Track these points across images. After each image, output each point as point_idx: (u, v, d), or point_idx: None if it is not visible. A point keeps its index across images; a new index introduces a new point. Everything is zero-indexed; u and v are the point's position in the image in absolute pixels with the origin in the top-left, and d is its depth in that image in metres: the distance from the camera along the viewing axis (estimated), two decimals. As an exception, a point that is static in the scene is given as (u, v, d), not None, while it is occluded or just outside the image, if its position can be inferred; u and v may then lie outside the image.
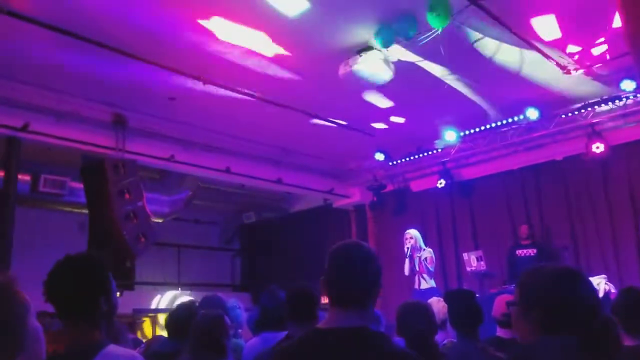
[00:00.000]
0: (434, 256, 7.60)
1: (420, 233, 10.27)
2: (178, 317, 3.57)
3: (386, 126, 8.62)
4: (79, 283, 1.92)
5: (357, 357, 1.71)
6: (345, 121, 8.36)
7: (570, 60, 6.73)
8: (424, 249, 7.56)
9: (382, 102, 7.63)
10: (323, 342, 1.78)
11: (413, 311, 3.02)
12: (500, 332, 3.72)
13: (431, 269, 7.46)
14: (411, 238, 7.60)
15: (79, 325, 1.91)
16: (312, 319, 1.87)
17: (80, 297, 1.92)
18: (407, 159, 10.00)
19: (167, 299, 11.02)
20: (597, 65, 6.87)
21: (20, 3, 5.09)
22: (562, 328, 1.65)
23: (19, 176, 7.08)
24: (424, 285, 7.44)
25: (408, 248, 7.54)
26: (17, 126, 6.71)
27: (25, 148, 7.05)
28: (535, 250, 8.36)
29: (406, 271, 7.62)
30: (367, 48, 6.01)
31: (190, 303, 3.89)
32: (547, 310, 1.70)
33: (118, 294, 2.11)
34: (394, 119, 8.35)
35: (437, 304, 3.87)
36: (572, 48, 6.48)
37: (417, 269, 7.48)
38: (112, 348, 1.89)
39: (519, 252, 8.52)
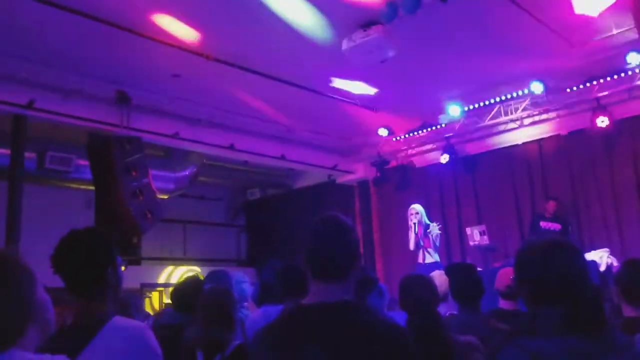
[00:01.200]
0: (438, 231, 7.64)
1: (423, 208, 10.36)
2: (184, 291, 3.64)
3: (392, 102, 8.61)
4: (86, 256, 1.96)
5: (340, 331, 1.73)
6: (348, 97, 8.34)
7: (576, 33, 6.68)
8: (431, 224, 7.59)
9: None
10: (306, 318, 1.80)
11: (416, 283, 3.06)
12: (502, 304, 3.76)
13: (437, 244, 7.50)
14: (417, 213, 7.63)
15: (87, 298, 1.95)
16: (304, 293, 1.90)
17: (88, 270, 1.96)
18: (411, 134, 10.00)
19: (175, 273, 11.15)
20: (602, 38, 6.82)
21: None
22: (551, 301, 1.70)
23: (26, 153, 7.13)
24: (429, 260, 7.49)
25: (415, 223, 7.56)
26: (22, 103, 6.74)
27: (32, 125, 7.09)
28: (559, 226, 8.20)
29: (411, 246, 7.67)
30: (371, 22, 5.98)
31: (196, 277, 3.96)
32: (536, 283, 1.77)
33: (123, 267, 2.15)
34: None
35: (440, 277, 3.92)
36: (578, 21, 6.42)
37: (422, 244, 7.52)
38: (119, 320, 1.93)
39: (542, 223, 8.36)
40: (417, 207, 7.74)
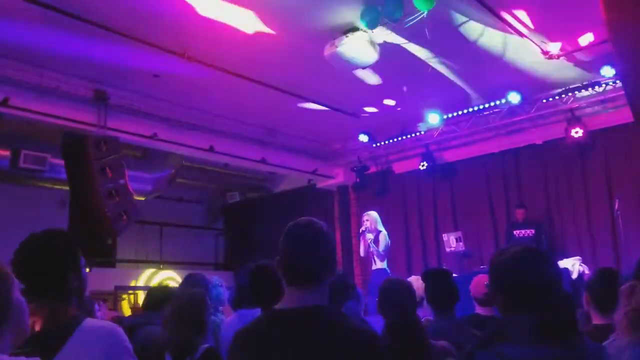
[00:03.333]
0: (388, 239, 7.51)
1: (402, 214, 10.43)
2: (153, 294, 3.66)
3: (375, 109, 8.66)
4: (46, 260, 1.91)
5: (313, 337, 1.73)
6: (330, 102, 8.36)
7: (552, 45, 6.80)
8: (382, 232, 7.53)
9: (370, 78, 7.57)
10: (279, 324, 1.80)
11: (395, 288, 3.08)
12: (479, 310, 3.81)
13: (381, 251, 7.40)
14: (367, 220, 7.61)
15: (50, 303, 1.89)
16: (279, 297, 1.89)
17: (49, 273, 1.91)
18: (391, 140, 10.06)
19: (150, 276, 11.03)
20: (578, 51, 6.96)
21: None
22: (524, 308, 1.73)
23: (-1, 152, 7.01)
24: (375, 267, 7.50)
25: (363, 230, 7.54)
26: (-4, 100, 6.62)
27: (5, 123, 6.97)
28: (533, 231, 8.37)
29: (361, 252, 7.67)
30: (353, 29, 6.02)
31: (166, 285, 3.98)
32: (509, 291, 1.79)
33: (87, 269, 2.10)
34: (386, 101, 8.38)
35: (416, 282, 3.95)
36: (554, 34, 6.55)
37: (372, 250, 7.50)
38: (90, 322, 1.91)
39: (516, 232, 8.53)
40: (370, 214, 7.71)
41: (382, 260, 7.45)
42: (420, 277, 3.89)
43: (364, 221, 7.63)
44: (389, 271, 7.46)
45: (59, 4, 5.45)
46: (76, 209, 7.72)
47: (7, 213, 8.49)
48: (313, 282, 1.82)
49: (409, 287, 3.02)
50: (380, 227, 7.55)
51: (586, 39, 6.68)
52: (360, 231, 7.60)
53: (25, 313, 1.55)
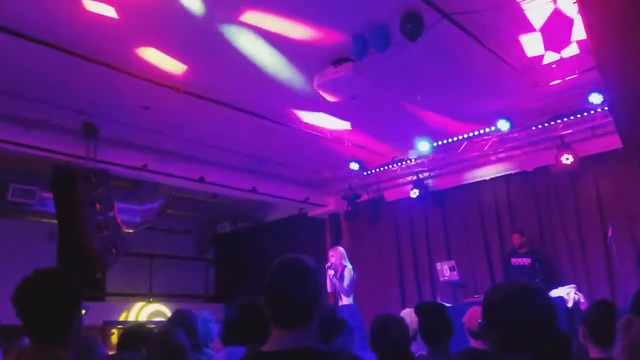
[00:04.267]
0: (353, 273, 7.41)
1: (394, 242, 10.36)
2: (129, 332, 3.58)
3: (362, 137, 8.68)
4: (51, 301, 1.91)
5: None
6: (319, 131, 8.37)
7: (540, 73, 6.87)
8: (347, 267, 7.42)
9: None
10: None
11: (388, 324, 3.02)
12: (474, 344, 3.73)
13: (345, 286, 7.29)
14: (332, 256, 7.55)
15: (47, 343, 1.88)
16: (268, 335, 1.83)
17: (53, 315, 1.91)
18: (382, 168, 10.06)
19: (139, 310, 10.85)
20: (565, 78, 7.03)
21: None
22: (518, 348, 1.68)
23: (-13, 185, 6.92)
24: (341, 303, 7.38)
25: (328, 266, 7.45)
26: (-16, 134, 6.57)
27: (-6, 157, 6.91)
28: (529, 260, 8.28)
29: (328, 288, 7.54)
30: (342, 59, 6.05)
31: (142, 323, 3.91)
32: (502, 329, 1.74)
33: (84, 311, 2.08)
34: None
35: (410, 315, 3.89)
36: (542, 62, 6.61)
37: (337, 286, 7.40)
38: None
39: (514, 260, 8.43)
40: (337, 249, 7.70)
41: (347, 296, 7.36)
42: (413, 310, 3.84)
43: (329, 257, 7.60)
44: (355, 306, 7.36)
45: (46, 37, 5.44)
46: (65, 242, 7.60)
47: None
48: (299, 323, 1.77)
49: (401, 322, 2.96)
50: (346, 262, 7.49)
51: (572, 66, 6.75)
52: (326, 267, 7.50)
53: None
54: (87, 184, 7.10)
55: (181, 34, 5.65)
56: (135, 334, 3.53)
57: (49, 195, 7.66)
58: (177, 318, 3.75)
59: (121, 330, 3.80)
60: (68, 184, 7.24)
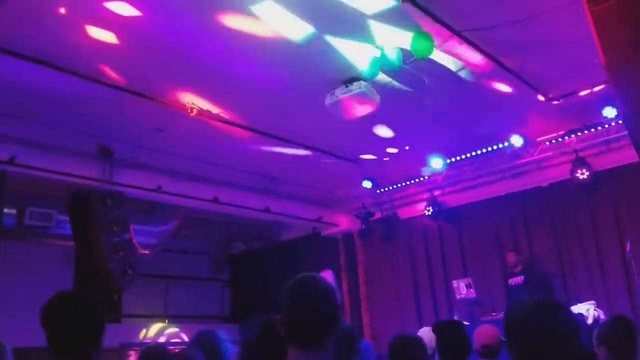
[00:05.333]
0: (340, 297, 7.54)
1: (409, 260, 10.31)
2: (148, 354, 3.58)
3: (374, 157, 8.68)
4: (80, 324, 1.94)
5: None
6: (332, 150, 8.40)
7: (553, 88, 6.86)
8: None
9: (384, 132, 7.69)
10: None
11: (406, 344, 3.00)
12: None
13: None
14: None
15: None
16: (284, 355, 1.82)
17: (80, 337, 1.94)
18: (395, 186, 10.05)
19: (155, 331, 10.84)
20: (578, 93, 7.01)
21: (5, 38, 5.11)
22: None
23: (5, 209, 7.00)
24: None
25: None
26: (3, 159, 6.67)
27: (11, 181, 7.00)
28: (522, 277, 8.33)
29: None
30: (353, 78, 6.09)
31: (160, 344, 3.90)
32: (525, 346, 1.73)
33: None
34: (389, 150, 8.41)
35: (428, 334, 3.85)
36: (554, 77, 6.60)
37: None
38: None
39: (510, 280, 8.52)
40: (328, 273, 7.91)
41: None
42: (431, 329, 3.80)
43: None
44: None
45: (63, 62, 5.54)
46: (81, 264, 7.66)
47: (13, 269, 8.44)
48: (317, 345, 1.76)
49: (420, 342, 2.94)
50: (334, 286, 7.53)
51: (585, 80, 6.74)
52: None
53: None
54: (103, 206, 7.18)
55: (188, 60, 5.72)
56: (154, 355, 3.54)
57: (66, 218, 7.73)
58: (199, 339, 3.75)
59: (140, 352, 3.81)
60: (84, 206, 7.31)
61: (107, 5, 4.80)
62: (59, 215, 8.00)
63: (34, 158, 6.91)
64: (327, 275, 7.71)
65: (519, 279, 8.34)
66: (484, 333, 3.53)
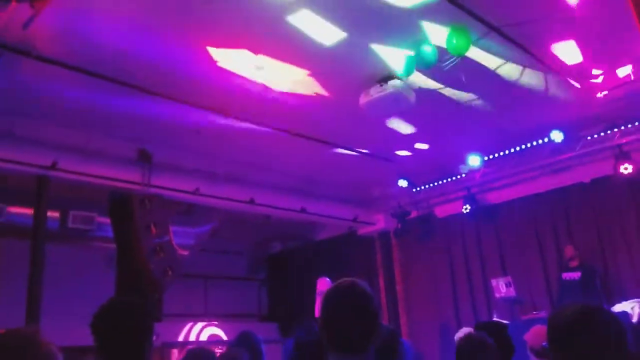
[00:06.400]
0: None
1: (446, 259, 10.21)
2: (192, 355, 3.64)
3: (409, 153, 8.61)
4: (131, 331, 2.01)
5: None
6: (367, 149, 8.38)
7: (594, 81, 6.68)
8: None
9: (405, 128, 7.65)
10: None
11: (475, 348, 2.99)
12: (533, 363, 3.63)
13: None
14: (321, 285, 7.92)
15: None
16: None
17: (131, 344, 2.00)
18: (431, 184, 9.95)
19: (196, 331, 11.02)
20: (621, 85, 6.81)
21: (47, 46, 5.26)
22: None
23: (48, 213, 7.20)
24: None
25: (318, 293, 7.86)
26: (46, 165, 6.87)
27: (54, 185, 7.20)
28: (579, 274, 7.99)
29: (317, 313, 7.60)
30: (388, 77, 6.05)
31: (203, 345, 3.94)
32: (569, 352, 1.70)
33: (155, 337, 2.16)
34: (418, 145, 8.34)
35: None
36: (596, 70, 6.43)
37: None
38: None
39: (564, 275, 8.16)
40: (325, 280, 7.89)
41: None
42: (472, 330, 3.76)
43: (318, 286, 8.00)
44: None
45: (103, 70, 5.67)
46: (123, 266, 7.83)
47: (57, 272, 8.65)
48: (358, 350, 1.76)
49: (490, 346, 2.92)
50: None
51: (627, 72, 6.54)
52: (317, 292, 7.90)
53: None
54: (142, 209, 7.32)
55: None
56: (199, 356, 3.59)
57: (107, 220, 7.92)
58: (243, 339, 3.81)
59: (186, 353, 3.87)
60: (124, 209, 7.47)
61: (144, 12, 4.88)
62: (101, 217, 8.20)
63: (75, 163, 7.09)
64: (324, 282, 7.83)
65: (576, 275, 7.98)
66: (541, 333, 3.47)
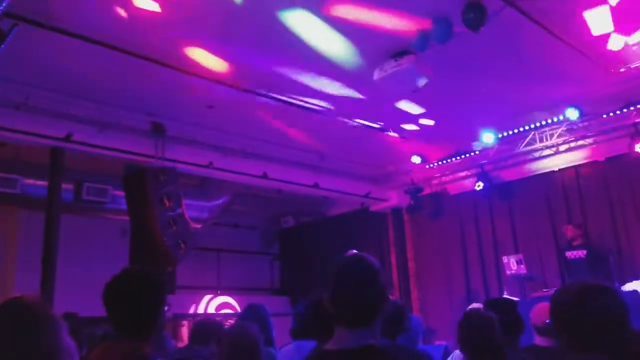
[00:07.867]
0: None
1: (459, 236, 10.22)
2: (200, 327, 3.68)
3: (419, 128, 8.56)
4: (141, 299, 2.01)
5: None
6: (381, 124, 8.34)
7: (611, 58, 6.56)
8: None
9: (414, 108, 7.60)
10: None
11: (479, 323, 3.01)
12: (537, 340, 3.63)
13: None
14: None
15: (133, 339, 1.97)
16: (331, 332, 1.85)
17: (141, 312, 2.01)
18: (444, 161, 9.90)
19: (208, 303, 11.18)
20: (638, 64, 6.69)
21: (62, 18, 5.26)
22: (592, 347, 1.65)
23: (63, 185, 7.29)
24: None
25: None
26: (60, 136, 6.92)
27: (69, 157, 7.27)
28: (585, 252, 7.97)
29: None
30: (402, 52, 5.98)
31: (212, 317, 3.99)
32: (573, 329, 1.72)
33: (166, 307, 2.17)
34: (429, 121, 8.28)
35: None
36: (612, 47, 6.31)
37: None
38: None
39: (568, 254, 8.15)
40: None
41: None
42: (482, 306, 3.77)
43: None
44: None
45: (117, 42, 5.67)
46: (137, 238, 7.94)
47: (71, 244, 8.78)
48: (364, 323, 1.77)
49: (493, 321, 2.93)
50: None
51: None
52: None
53: (74, 357, 1.58)
54: (156, 181, 7.38)
55: (236, 27, 5.75)
56: (207, 327, 3.64)
57: (121, 193, 8.00)
58: (251, 312, 3.84)
59: (193, 324, 3.92)
60: (138, 182, 7.54)
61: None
62: (115, 190, 8.28)
63: (90, 135, 7.14)
64: None
65: (581, 253, 7.95)
66: (545, 309, 3.47)
